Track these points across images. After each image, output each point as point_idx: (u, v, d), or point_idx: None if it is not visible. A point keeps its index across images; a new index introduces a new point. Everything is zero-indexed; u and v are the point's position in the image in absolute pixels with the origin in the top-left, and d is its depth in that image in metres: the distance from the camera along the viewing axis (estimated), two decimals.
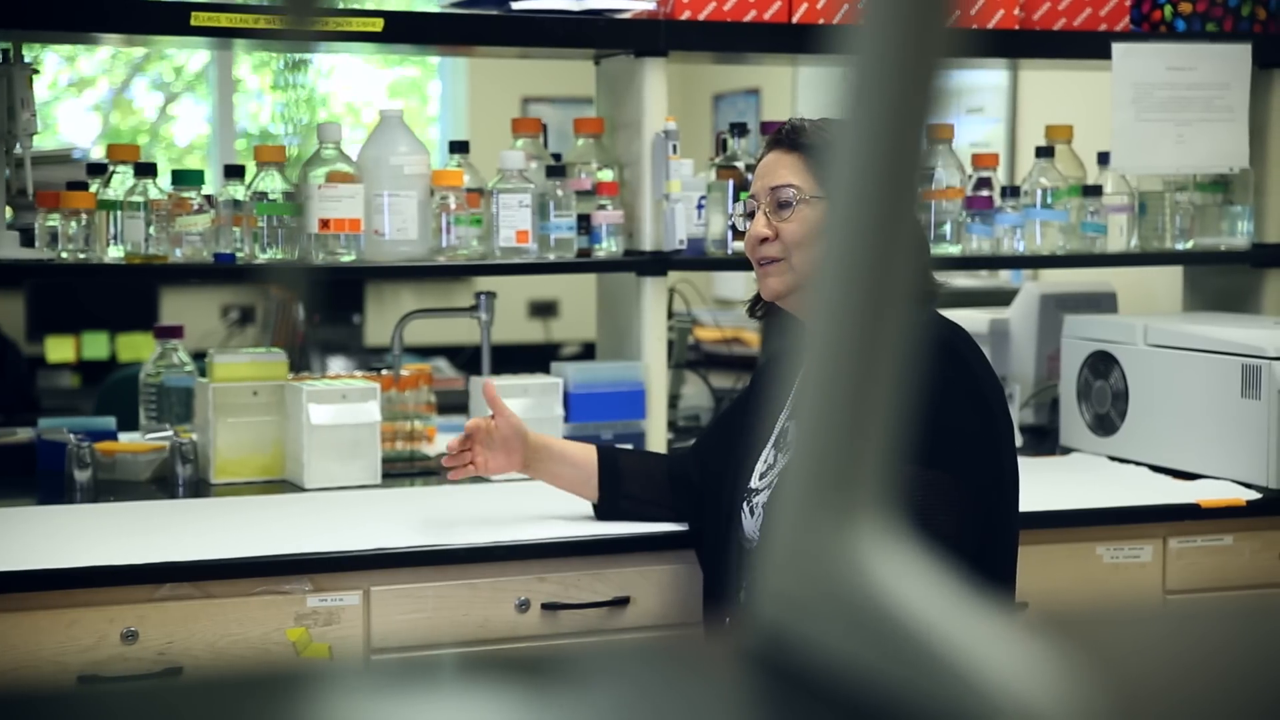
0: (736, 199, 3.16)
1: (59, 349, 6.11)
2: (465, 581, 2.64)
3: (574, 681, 0.55)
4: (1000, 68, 4.52)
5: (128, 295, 6.15)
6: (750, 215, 2.49)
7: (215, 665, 2.45)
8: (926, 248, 2.47)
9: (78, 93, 7.31)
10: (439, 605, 2.62)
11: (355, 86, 7.62)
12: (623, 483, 2.71)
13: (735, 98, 6.29)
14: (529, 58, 4.48)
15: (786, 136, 2.47)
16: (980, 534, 2.30)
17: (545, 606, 2.66)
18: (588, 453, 2.72)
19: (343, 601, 2.57)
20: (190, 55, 7.18)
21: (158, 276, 3.09)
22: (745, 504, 2.47)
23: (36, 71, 2.99)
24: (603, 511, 2.73)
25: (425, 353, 6.14)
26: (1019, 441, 3.56)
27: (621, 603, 2.70)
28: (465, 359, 5.88)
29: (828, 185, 0.52)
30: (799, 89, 5.92)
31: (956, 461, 2.27)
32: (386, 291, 6.62)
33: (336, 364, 6.06)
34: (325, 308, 6.44)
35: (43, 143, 6.73)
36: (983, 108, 4.96)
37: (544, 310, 6.89)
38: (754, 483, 2.48)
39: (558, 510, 2.78)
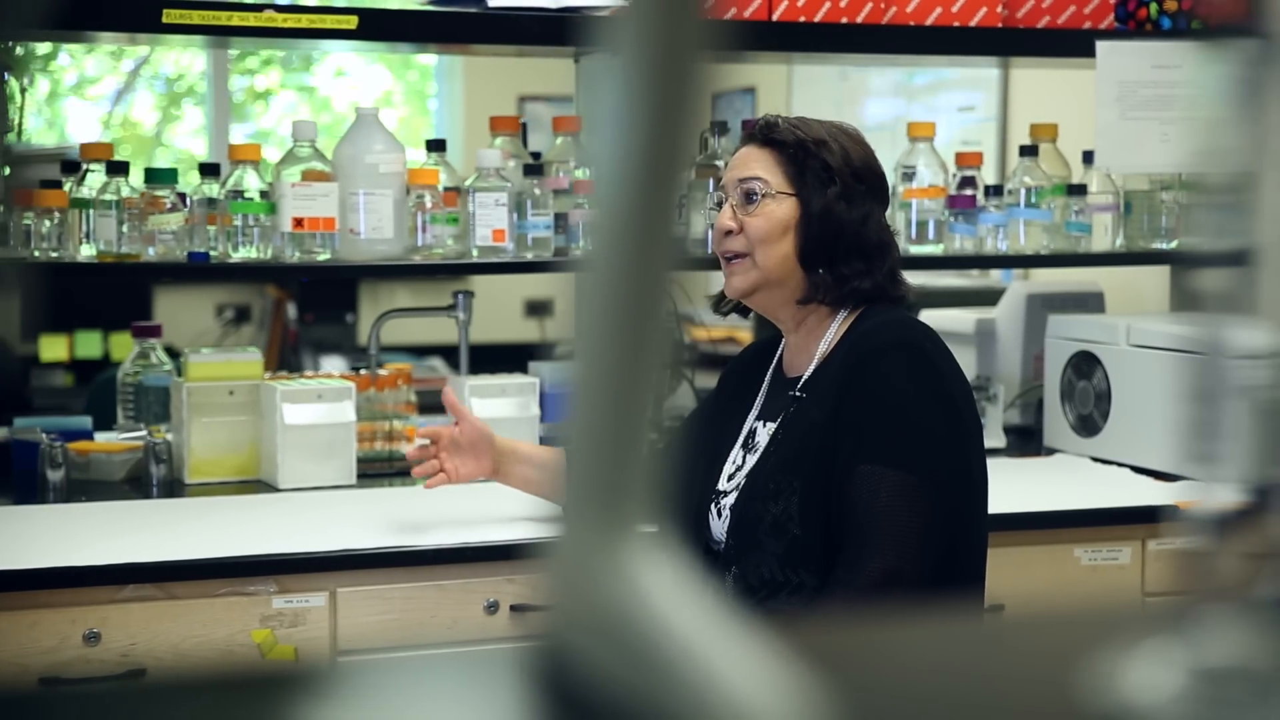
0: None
1: (52, 348, 6.09)
2: (433, 583, 2.62)
3: (334, 697, 0.53)
4: (983, 65, 4.50)
5: (123, 294, 6.14)
6: (720, 207, 2.47)
7: (179, 667, 2.44)
8: (880, 249, 2.44)
9: (83, 93, 7.30)
10: (406, 607, 2.60)
11: (360, 88, 7.62)
12: None
13: (732, 96, 6.27)
14: (513, 55, 4.46)
15: (760, 131, 2.46)
16: (947, 535, 2.28)
17: (514, 608, 2.65)
18: (555, 455, 2.70)
19: (308, 603, 2.55)
20: (194, 56, 7.17)
21: (128, 275, 3.07)
22: (713, 505, 2.44)
23: (10, 69, 2.97)
24: None
25: (420, 352, 6.13)
26: (1002, 443, 3.55)
27: None
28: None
29: (594, 186, 0.50)
30: (794, 87, 5.90)
31: (922, 462, 2.25)
32: (381, 290, 6.60)
33: (330, 363, 6.05)
34: (319, 307, 6.43)
35: (45, 140, 6.74)
36: (974, 106, 4.93)
37: (539, 309, 6.87)
38: (722, 484, 2.45)
39: (527, 511, 2.76)
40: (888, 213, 3.33)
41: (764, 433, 2.43)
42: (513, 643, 2.63)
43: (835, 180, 2.38)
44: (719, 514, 2.43)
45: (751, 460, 2.42)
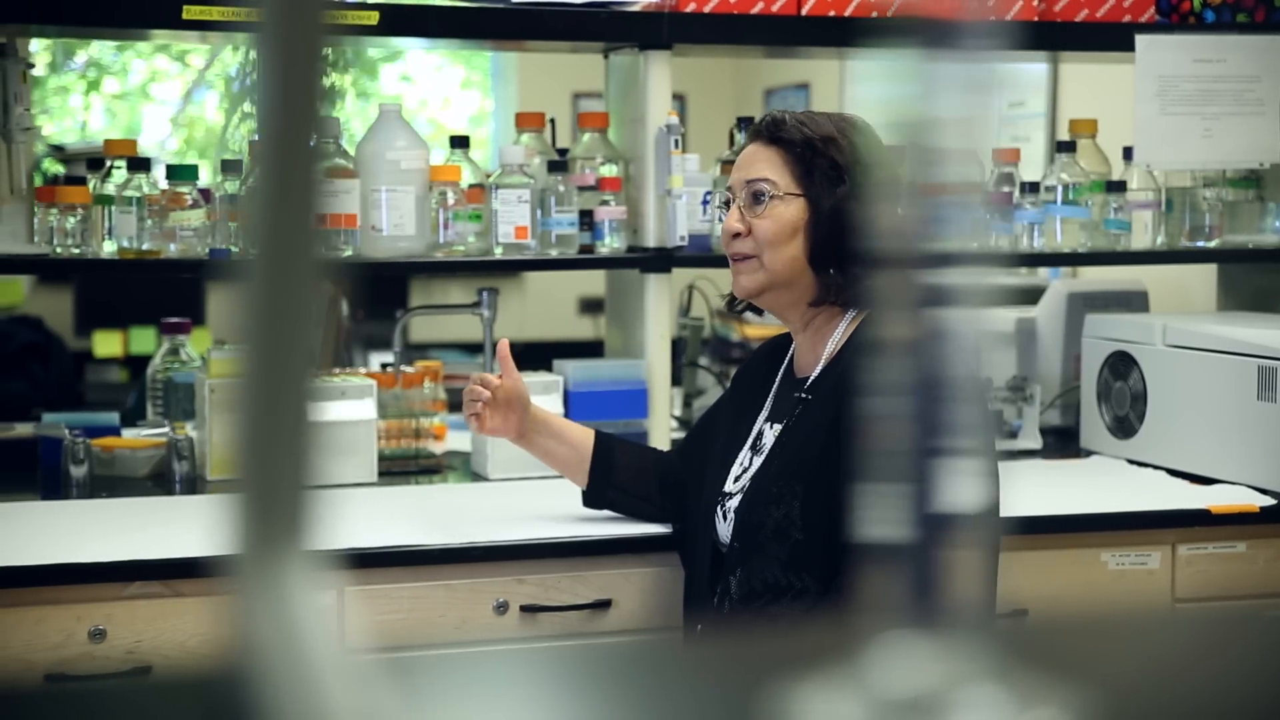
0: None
1: (107, 343, 6.14)
2: (442, 582, 2.59)
3: None
4: (1025, 60, 4.42)
5: (176, 291, 6.17)
6: (727, 206, 2.43)
7: (185, 665, 2.43)
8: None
9: (146, 96, 7.37)
10: (414, 606, 2.58)
11: (429, 87, 7.64)
12: (614, 474, 2.63)
13: (786, 92, 6.22)
14: (543, 51, 4.43)
15: (766, 129, 2.41)
16: None
17: (524, 609, 2.62)
18: (585, 436, 2.64)
19: None
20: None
21: (148, 272, 3.07)
22: (719, 507, 2.41)
23: (31, 66, 2.99)
24: (590, 499, 2.66)
25: (472, 349, 6.11)
26: (1038, 444, 3.47)
27: (603, 605, 2.65)
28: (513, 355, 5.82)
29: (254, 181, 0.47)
30: (846, 83, 5.84)
31: None
32: (435, 287, 6.60)
33: (380, 359, 6.06)
34: (369, 303, 6.44)
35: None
36: (1024, 102, 4.86)
37: (594, 307, 6.84)
38: (728, 486, 2.41)
39: (538, 511, 2.73)
40: None
41: (770, 434, 2.39)
42: (521, 644, 2.60)
43: (845, 179, 2.33)
44: (724, 516, 2.39)
45: (757, 462, 2.38)
